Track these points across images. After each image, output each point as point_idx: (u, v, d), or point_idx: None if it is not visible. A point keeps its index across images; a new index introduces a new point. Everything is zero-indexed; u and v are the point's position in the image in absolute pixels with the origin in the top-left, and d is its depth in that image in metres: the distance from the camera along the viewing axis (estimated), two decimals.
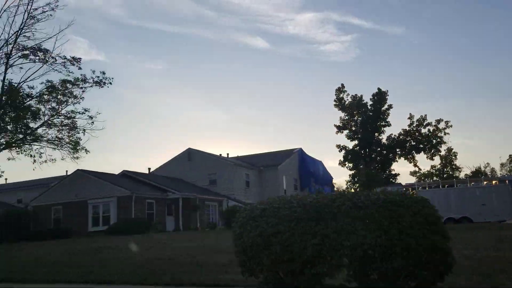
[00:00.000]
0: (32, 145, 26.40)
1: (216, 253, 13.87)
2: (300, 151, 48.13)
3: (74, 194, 30.92)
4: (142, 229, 27.27)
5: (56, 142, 27.57)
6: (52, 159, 27.76)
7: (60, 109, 27.55)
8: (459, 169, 71.19)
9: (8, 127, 24.87)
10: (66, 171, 54.53)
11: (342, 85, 46.09)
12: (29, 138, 25.28)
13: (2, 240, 29.46)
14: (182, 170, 41.11)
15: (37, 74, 25.79)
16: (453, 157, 67.78)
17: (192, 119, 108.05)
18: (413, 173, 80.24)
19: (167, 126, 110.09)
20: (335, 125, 46.83)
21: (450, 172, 71.54)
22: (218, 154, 44.53)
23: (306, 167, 46.97)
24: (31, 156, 25.22)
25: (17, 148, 24.83)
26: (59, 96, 27.04)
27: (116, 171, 42.20)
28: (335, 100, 46.38)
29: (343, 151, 46.92)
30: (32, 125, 26.71)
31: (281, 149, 48.91)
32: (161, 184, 34.61)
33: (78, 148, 28.04)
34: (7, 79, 24.15)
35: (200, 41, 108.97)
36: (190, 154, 41.91)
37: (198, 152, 42.16)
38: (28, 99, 24.82)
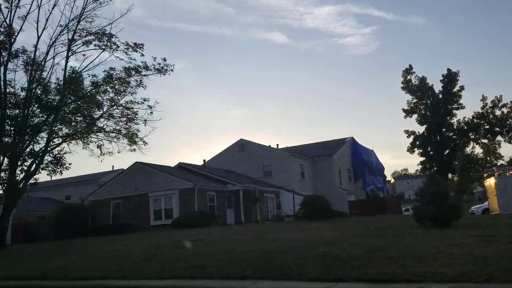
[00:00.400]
0: (97, 136, 25.50)
1: (334, 245, 12.30)
2: (352, 140, 46.21)
3: (133, 188, 29.92)
4: (206, 222, 26.08)
5: (113, 134, 26.57)
6: (110, 152, 26.83)
7: (118, 100, 26.53)
8: (502, 158, 67.65)
9: (72, 117, 23.90)
10: (113, 166, 54.30)
11: (410, 66, 43.54)
12: (94, 129, 24.30)
13: (61, 236, 28.80)
14: (234, 162, 39.84)
15: (93, 63, 24.97)
16: (497, 145, 64.33)
17: (219, 116, 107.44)
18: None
19: (198, 123, 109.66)
20: (403, 109, 44.41)
21: (495, 161, 68.14)
22: (268, 145, 43.07)
23: (360, 156, 45.07)
24: (98, 147, 24.28)
25: (82, 140, 23.88)
26: (116, 86, 26.01)
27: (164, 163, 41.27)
28: (402, 82, 43.85)
29: (412, 137, 44.39)
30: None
31: (331, 139, 47.18)
32: (218, 176, 33.40)
33: (136, 140, 26.97)
34: (71, 67, 23.21)
35: (220, 38, 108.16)
36: (242, 146, 40.56)
37: (251, 143, 40.79)
38: (91, 88, 23.78)
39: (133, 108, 26.52)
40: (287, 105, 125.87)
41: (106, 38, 22.76)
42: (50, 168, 22.58)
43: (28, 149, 23.20)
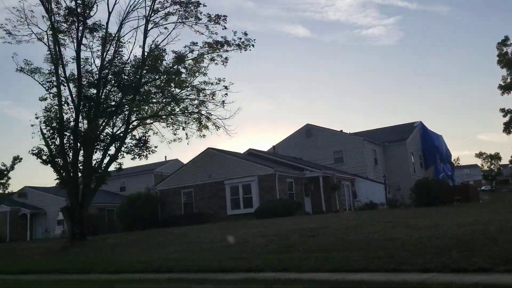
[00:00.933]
0: (172, 119, 23.54)
1: None
2: (421, 124, 43.11)
3: (207, 175, 27.97)
4: (289, 212, 23.99)
5: (181, 118, 24.53)
6: (179, 138, 24.83)
7: (192, 81, 24.45)
8: None
9: (152, 97, 21.99)
10: (165, 156, 52.66)
11: (506, 37, 39.76)
12: (177, 109, 22.34)
13: (131, 227, 27.27)
14: (300, 148, 37.55)
15: (163, 41, 22.90)
16: None
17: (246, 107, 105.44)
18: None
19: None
20: (499, 85, 40.69)
21: None
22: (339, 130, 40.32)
23: (431, 142, 41.97)
24: (182, 129, 22.29)
25: (167, 120, 21.95)
26: (189, 67, 23.94)
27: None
28: (498, 56, 40.24)
29: (508, 116, 40.62)
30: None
31: (399, 123, 44.20)
32: (291, 161, 31.18)
33: (207, 124, 24.84)
34: (153, 41, 21.24)
35: (241, 32, 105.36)
36: (308, 131, 38.18)
37: (318, 128, 38.34)
38: (174, 62, 21.74)
39: (205, 89, 24.46)
40: (310, 95, 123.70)
41: (193, 6, 20.66)
42: (135, 152, 20.67)
43: (104, 132, 21.45)
